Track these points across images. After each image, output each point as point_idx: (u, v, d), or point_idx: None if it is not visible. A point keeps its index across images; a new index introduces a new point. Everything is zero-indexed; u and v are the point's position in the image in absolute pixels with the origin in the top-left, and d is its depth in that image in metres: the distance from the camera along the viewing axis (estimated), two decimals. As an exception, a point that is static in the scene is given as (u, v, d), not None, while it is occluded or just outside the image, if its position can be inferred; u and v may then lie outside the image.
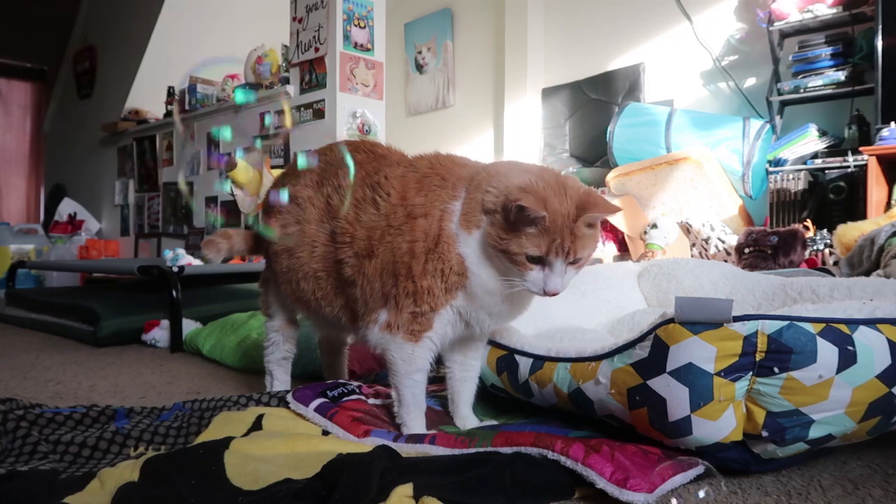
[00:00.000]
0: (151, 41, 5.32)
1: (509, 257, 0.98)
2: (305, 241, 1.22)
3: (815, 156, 3.34)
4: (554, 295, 0.99)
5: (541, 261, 0.98)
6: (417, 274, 1.04)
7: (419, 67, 5.64)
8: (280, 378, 1.43)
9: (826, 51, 3.39)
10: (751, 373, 0.88)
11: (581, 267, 1.02)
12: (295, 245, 1.24)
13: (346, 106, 3.69)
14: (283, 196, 1.23)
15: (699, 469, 0.91)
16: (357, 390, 1.28)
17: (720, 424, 0.89)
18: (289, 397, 1.23)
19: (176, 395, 1.61)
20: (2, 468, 0.96)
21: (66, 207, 5.67)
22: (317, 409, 1.18)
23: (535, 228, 0.96)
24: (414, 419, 1.12)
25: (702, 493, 0.85)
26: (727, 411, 0.89)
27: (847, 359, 0.87)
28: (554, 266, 0.98)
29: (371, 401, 1.27)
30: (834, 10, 3.38)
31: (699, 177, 3.50)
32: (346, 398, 1.24)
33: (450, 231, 1.03)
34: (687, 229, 3.37)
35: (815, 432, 0.89)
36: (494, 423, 1.19)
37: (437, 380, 1.62)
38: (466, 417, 1.18)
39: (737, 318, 0.88)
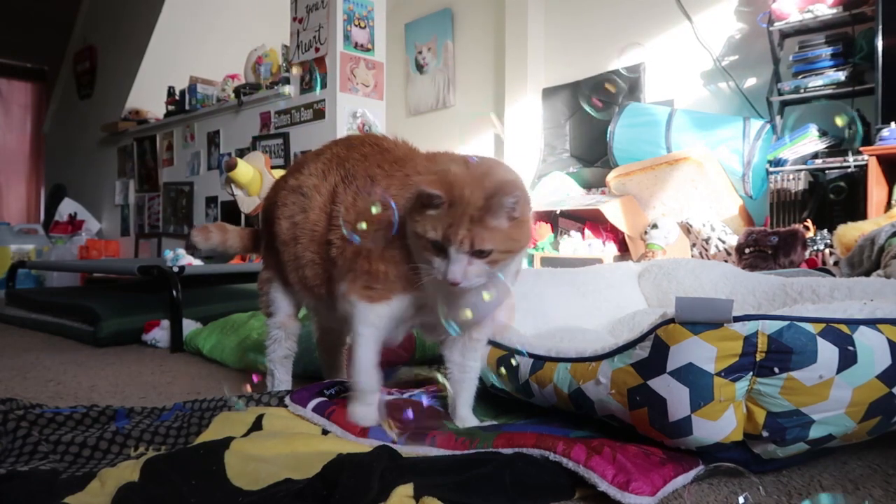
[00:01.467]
0: (151, 41, 5.32)
1: (417, 240, 1.00)
2: (308, 227, 1.25)
3: (815, 156, 3.34)
4: (454, 285, 0.98)
5: (444, 248, 0.98)
6: (375, 257, 1.09)
7: (419, 67, 5.64)
8: (281, 378, 1.43)
9: (826, 51, 3.39)
10: (751, 373, 0.88)
11: (497, 264, 1.00)
12: (300, 233, 1.27)
13: (347, 106, 3.69)
14: None
15: (700, 469, 0.91)
16: None
17: (720, 424, 0.89)
18: (287, 399, 1.23)
19: (176, 395, 1.61)
20: (2, 468, 0.96)
21: (67, 207, 5.67)
22: (315, 409, 1.18)
23: (435, 211, 0.97)
24: (360, 376, 1.12)
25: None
26: (727, 411, 0.89)
27: (847, 359, 0.87)
28: (450, 253, 0.97)
29: None
30: (834, 10, 3.38)
31: (699, 177, 3.50)
32: (343, 395, 1.24)
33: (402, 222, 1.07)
34: (687, 229, 3.37)
35: (815, 432, 0.89)
36: (494, 423, 1.19)
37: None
38: (465, 418, 1.18)
39: (737, 319, 0.88)
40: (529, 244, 1.13)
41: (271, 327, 1.43)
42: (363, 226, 1.09)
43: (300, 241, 1.27)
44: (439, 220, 0.97)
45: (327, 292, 1.25)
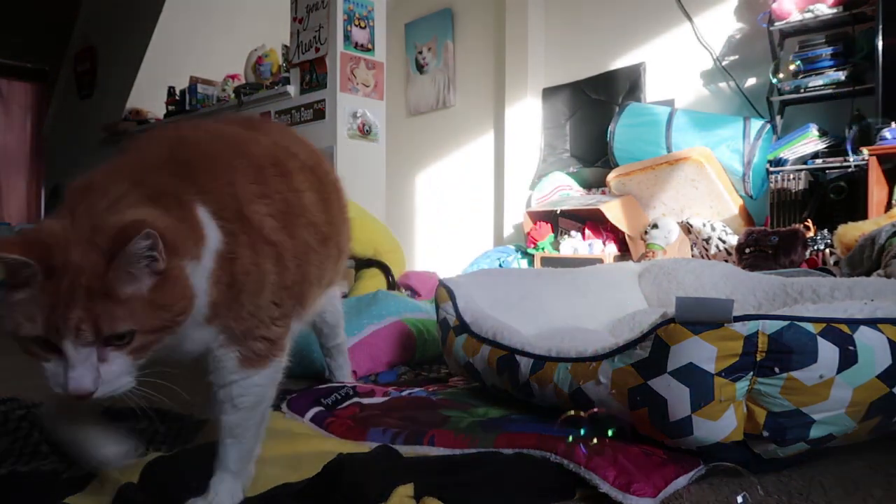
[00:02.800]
0: (151, 41, 5.31)
1: (17, 342, 0.67)
2: None
3: (815, 156, 3.34)
4: (85, 397, 0.65)
5: (55, 344, 0.65)
6: None
7: (419, 67, 5.63)
8: None
9: (826, 51, 3.39)
10: (751, 373, 0.88)
11: (148, 350, 0.69)
12: None
13: (347, 106, 3.69)
14: None
15: (700, 469, 0.91)
16: (352, 392, 1.28)
17: (721, 424, 0.89)
18: (283, 407, 1.22)
19: (176, 395, 1.61)
20: (3, 468, 0.97)
21: (67, 208, 5.67)
22: (312, 419, 1.17)
23: (27, 291, 0.64)
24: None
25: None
26: (728, 411, 0.89)
27: (848, 359, 0.87)
28: (68, 352, 0.65)
29: (366, 401, 1.26)
30: (834, 10, 3.37)
31: (700, 177, 3.50)
32: (341, 404, 1.23)
33: None
34: (688, 229, 3.37)
35: (815, 432, 0.89)
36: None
37: (437, 380, 1.62)
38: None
39: (737, 318, 0.88)
40: (199, 305, 0.74)
41: None
42: None
43: None
44: (35, 303, 0.64)
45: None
